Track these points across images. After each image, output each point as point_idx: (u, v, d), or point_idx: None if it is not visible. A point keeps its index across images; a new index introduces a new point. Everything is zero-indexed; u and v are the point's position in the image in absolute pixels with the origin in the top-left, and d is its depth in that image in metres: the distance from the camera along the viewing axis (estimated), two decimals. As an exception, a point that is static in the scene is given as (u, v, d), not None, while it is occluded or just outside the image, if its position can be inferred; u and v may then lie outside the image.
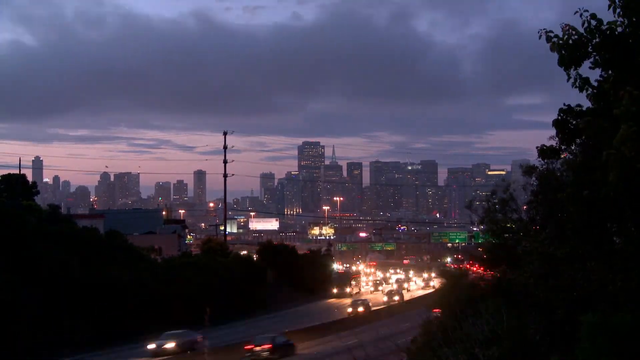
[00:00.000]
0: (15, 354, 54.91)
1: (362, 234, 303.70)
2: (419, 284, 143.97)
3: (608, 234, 16.31)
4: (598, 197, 13.76)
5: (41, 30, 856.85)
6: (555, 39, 13.38)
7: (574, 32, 13.31)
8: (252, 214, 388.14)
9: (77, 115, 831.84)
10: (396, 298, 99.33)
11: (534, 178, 24.07)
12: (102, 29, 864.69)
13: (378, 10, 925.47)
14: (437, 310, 44.47)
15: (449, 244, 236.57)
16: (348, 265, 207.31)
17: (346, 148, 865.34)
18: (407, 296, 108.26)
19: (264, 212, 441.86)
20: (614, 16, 12.99)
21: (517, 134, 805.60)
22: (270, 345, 53.67)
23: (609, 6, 12.95)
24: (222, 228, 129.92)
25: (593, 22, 13.06)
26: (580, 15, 13.11)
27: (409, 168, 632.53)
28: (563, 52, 13.28)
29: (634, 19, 12.88)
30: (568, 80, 13.49)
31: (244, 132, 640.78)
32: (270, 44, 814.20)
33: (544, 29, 13.60)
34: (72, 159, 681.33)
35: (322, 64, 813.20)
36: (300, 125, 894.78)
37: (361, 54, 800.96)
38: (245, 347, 54.40)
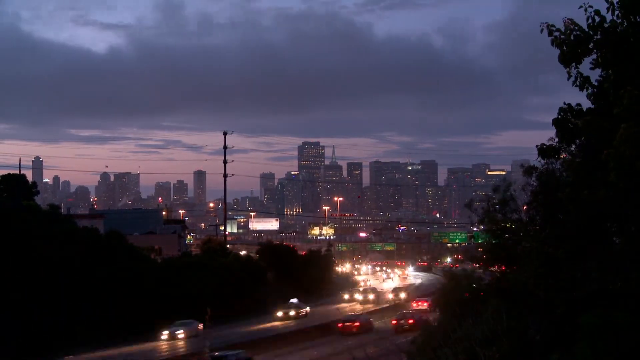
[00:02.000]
0: (15, 352, 54.92)
1: (362, 234, 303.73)
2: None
3: (608, 234, 16.29)
4: (598, 197, 13.74)
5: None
6: (557, 33, 13.32)
7: (575, 28, 13.25)
8: (252, 214, 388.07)
9: (89, 116, 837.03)
10: None
11: (533, 178, 24.02)
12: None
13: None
14: None
15: (449, 244, 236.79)
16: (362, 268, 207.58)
17: (354, 148, 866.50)
18: None
19: (264, 212, 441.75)
20: (612, 16, 12.95)
21: (526, 135, 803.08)
22: None
23: (608, 9, 12.90)
24: (222, 228, 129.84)
25: (597, 19, 13.00)
26: (585, 10, 13.03)
27: (409, 168, 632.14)
28: (564, 47, 13.23)
29: (631, 18, 12.85)
30: (569, 79, 13.44)
31: (250, 132, 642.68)
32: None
33: (546, 23, 13.52)
34: (78, 160, 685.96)
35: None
36: (303, 125, 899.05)
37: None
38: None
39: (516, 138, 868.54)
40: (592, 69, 13.59)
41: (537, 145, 15.20)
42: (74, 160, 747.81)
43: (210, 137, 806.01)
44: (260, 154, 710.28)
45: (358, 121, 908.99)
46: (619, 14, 12.87)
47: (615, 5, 12.81)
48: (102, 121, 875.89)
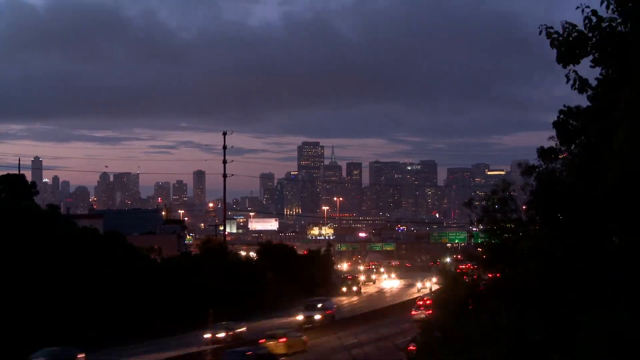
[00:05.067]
0: (14, 353, 54.90)
1: (362, 234, 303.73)
2: None
3: (608, 234, 16.26)
4: (597, 197, 13.72)
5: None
6: (555, 35, 13.33)
7: (573, 30, 13.26)
8: (252, 214, 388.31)
9: (103, 117, 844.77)
10: None
11: (533, 178, 23.99)
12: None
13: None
14: None
15: (449, 244, 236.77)
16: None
17: (363, 149, 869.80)
18: None
19: (263, 212, 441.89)
20: (607, 12, 12.95)
21: (539, 135, 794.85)
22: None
23: (601, 2, 12.88)
24: (221, 228, 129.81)
25: (594, 19, 13.00)
26: (582, 10, 13.04)
27: (409, 168, 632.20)
28: (562, 49, 13.23)
29: (627, 17, 12.82)
30: (567, 82, 13.45)
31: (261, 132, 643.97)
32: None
33: (544, 25, 13.55)
34: (84, 160, 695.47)
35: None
36: (307, 125, 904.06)
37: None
38: None
39: (527, 139, 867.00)
40: (592, 67, 13.58)
41: (537, 148, 15.22)
42: (81, 161, 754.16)
43: (217, 137, 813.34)
44: (270, 154, 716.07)
45: (367, 121, 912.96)
46: (614, 10, 12.83)
47: (611, 1, 12.78)
48: (116, 122, 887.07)
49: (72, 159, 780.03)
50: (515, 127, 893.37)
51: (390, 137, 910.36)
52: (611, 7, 12.90)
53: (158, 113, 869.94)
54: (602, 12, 13.21)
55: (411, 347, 31.50)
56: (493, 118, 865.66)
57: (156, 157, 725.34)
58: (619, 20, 12.98)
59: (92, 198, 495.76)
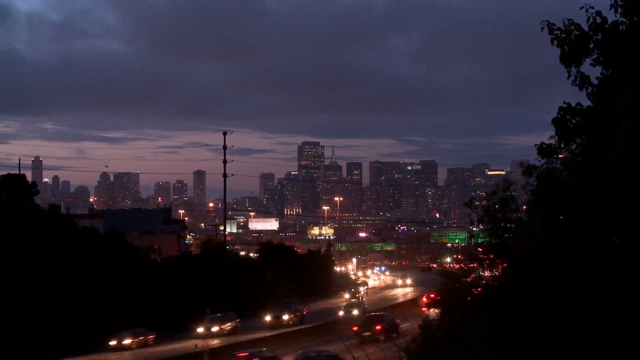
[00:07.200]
0: (14, 353, 54.93)
1: (362, 234, 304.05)
2: None
3: (608, 234, 16.24)
4: (597, 197, 13.71)
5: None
6: (557, 32, 13.30)
7: (576, 28, 13.23)
8: (252, 214, 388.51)
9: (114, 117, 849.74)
10: None
11: (533, 177, 23.96)
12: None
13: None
14: None
15: (449, 244, 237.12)
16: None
17: (373, 149, 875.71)
18: None
19: (263, 212, 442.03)
20: (615, 15, 12.93)
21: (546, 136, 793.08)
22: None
23: (611, 6, 12.86)
24: (221, 228, 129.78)
25: (598, 19, 12.97)
26: (586, 11, 13.01)
27: (409, 168, 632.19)
28: (565, 47, 13.20)
29: (635, 18, 12.81)
30: (568, 78, 13.41)
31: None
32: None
33: (546, 21, 13.48)
34: (90, 160, 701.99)
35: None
36: (312, 125, 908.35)
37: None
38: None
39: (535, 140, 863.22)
40: (592, 65, 13.55)
41: (536, 144, 15.21)
42: (89, 161, 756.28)
43: (230, 137, 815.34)
44: (275, 154, 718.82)
45: (377, 121, 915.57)
46: (622, 12, 12.82)
47: (619, 3, 12.77)
48: (128, 121, 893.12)
49: (79, 159, 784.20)
50: (525, 127, 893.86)
51: (398, 138, 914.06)
52: (619, 10, 12.86)
53: (165, 113, 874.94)
54: (604, 13, 13.19)
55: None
56: (502, 118, 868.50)
57: (163, 156, 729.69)
58: (621, 22, 12.95)
59: (92, 198, 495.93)
